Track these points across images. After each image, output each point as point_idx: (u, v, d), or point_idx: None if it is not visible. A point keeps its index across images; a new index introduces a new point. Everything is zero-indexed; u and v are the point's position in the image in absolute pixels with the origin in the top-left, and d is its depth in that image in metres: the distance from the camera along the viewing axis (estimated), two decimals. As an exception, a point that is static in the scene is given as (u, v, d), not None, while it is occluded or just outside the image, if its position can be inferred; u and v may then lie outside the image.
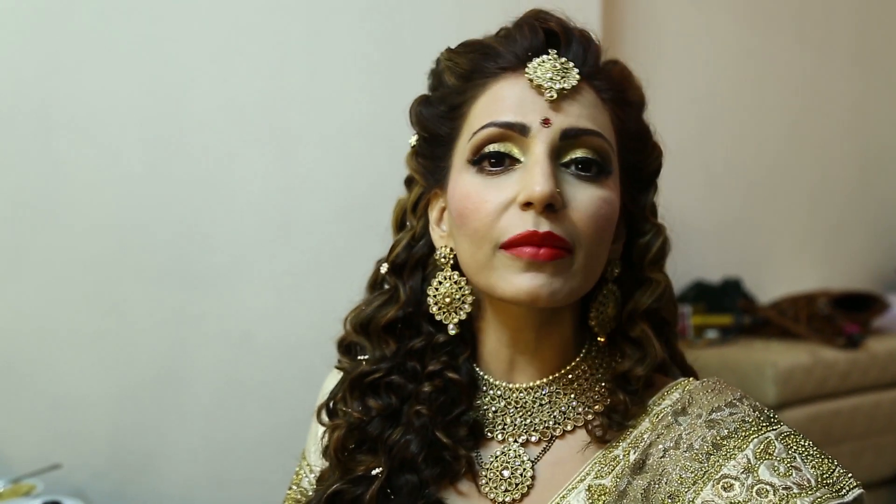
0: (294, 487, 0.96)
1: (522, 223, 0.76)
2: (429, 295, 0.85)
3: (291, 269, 2.16)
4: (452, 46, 0.86)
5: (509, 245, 0.76)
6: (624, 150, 0.83)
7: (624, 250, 0.87)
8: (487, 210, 0.77)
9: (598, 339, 0.84)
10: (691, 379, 0.84)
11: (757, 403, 0.79)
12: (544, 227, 0.75)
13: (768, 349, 2.57)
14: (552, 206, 0.75)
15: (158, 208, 2.02)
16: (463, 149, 0.81)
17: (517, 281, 0.76)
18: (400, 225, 0.92)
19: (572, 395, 0.82)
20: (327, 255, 2.17)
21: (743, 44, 3.36)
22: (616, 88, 0.83)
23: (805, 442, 0.75)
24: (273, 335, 2.13)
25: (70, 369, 1.92)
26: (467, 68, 0.83)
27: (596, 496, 0.77)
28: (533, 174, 0.75)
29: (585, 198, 0.78)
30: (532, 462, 0.81)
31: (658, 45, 3.15)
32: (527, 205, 0.75)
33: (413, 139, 0.89)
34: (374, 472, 0.82)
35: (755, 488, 0.70)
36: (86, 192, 1.94)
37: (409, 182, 0.92)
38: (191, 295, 2.06)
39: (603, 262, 0.82)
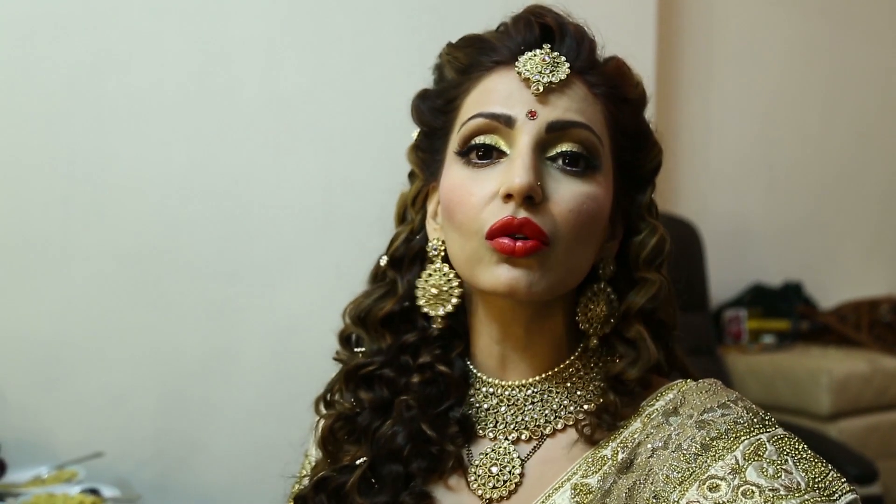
0: (297, 486, 0.95)
1: (502, 212, 0.76)
2: (417, 287, 0.85)
3: (335, 264, 2.16)
4: (453, 41, 0.86)
5: (490, 236, 0.76)
6: (618, 148, 0.82)
7: (621, 249, 0.85)
8: (472, 203, 0.77)
9: (592, 340, 0.83)
10: (688, 381, 0.81)
11: (753, 406, 0.76)
12: (522, 214, 0.75)
13: (825, 356, 2.47)
14: (531, 199, 0.75)
15: (204, 203, 2.05)
16: (454, 140, 0.82)
17: (495, 272, 0.76)
18: (402, 218, 0.93)
19: (564, 394, 0.82)
20: (371, 250, 2.16)
21: (810, 40, 3.25)
22: (610, 84, 0.82)
23: (799, 445, 0.72)
24: (317, 329, 2.11)
25: (116, 361, 1.97)
26: (465, 62, 0.83)
27: (581, 495, 0.76)
28: (515, 166, 0.75)
29: (568, 192, 0.77)
30: (522, 460, 0.81)
31: (718, 41, 3.06)
32: (508, 197, 0.75)
33: (414, 133, 0.89)
34: (358, 462, 0.83)
35: (741, 489, 0.68)
36: (133, 188, 1.98)
37: (411, 176, 0.93)
38: (235, 289, 2.09)
39: (588, 259, 0.80)
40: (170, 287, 2.02)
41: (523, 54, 0.80)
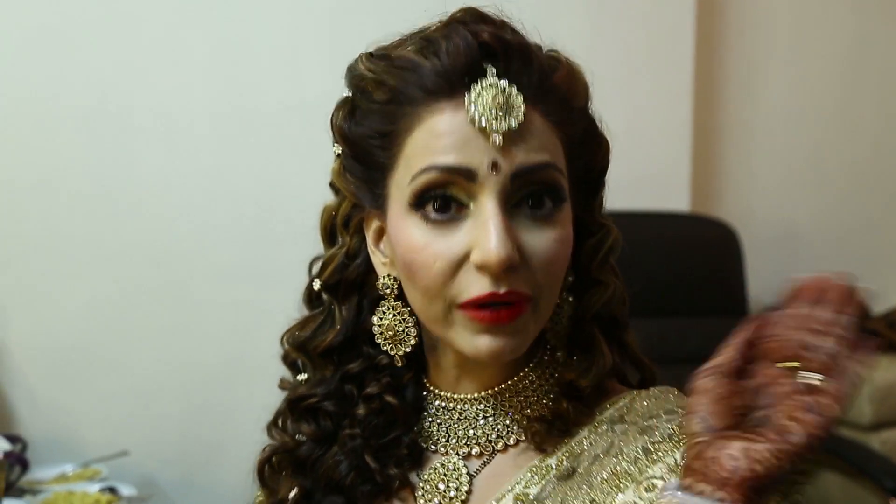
0: None
1: (480, 285, 0.70)
2: (374, 324, 0.80)
3: (360, 268, 2.17)
4: (371, 51, 0.78)
5: (467, 306, 0.71)
6: (573, 161, 0.76)
7: (575, 252, 0.80)
8: (439, 268, 0.71)
9: (557, 353, 0.80)
10: (642, 391, 0.79)
11: None
12: (504, 287, 0.69)
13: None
14: (511, 267, 0.70)
15: (229, 205, 2.08)
16: (402, 187, 0.73)
17: (477, 342, 0.71)
18: (329, 237, 0.86)
19: (517, 407, 0.79)
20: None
21: (859, 32, 3.12)
22: (563, 106, 0.74)
23: None
24: (341, 333, 2.15)
25: (142, 360, 2.01)
26: (394, 86, 0.73)
27: None
28: (487, 233, 0.69)
29: (542, 245, 0.72)
30: (470, 475, 0.78)
31: (764, 35, 2.97)
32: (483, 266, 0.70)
33: (337, 150, 0.80)
34: (291, 495, 0.81)
35: None
36: (160, 190, 2.02)
37: (335, 188, 0.85)
38: (260, 293, 2.11)
39: (559, 291, 0.77)
40: (195, 290, 2.06)
41: (468, 87, 0.70)
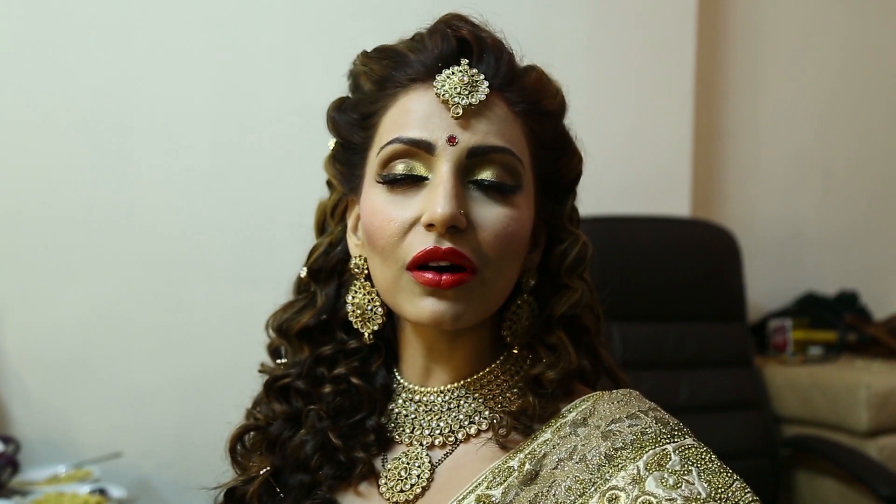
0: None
1: (424, 241, 0.75)
2: (347, 303, 0.85)
3: (357, 272, 2.17)
4: (368, 51, 0.85)
5: (413, 265, 0.75)
6: (539, 161, 0.82)
7: (543, 258, 0.86)
8: (393, 229, 0.76)
9: (523, 352, 0.84)
10: (605, 392, 0.80)
11: (665, 417, 0.75)
12: (446, 244, 0.74)
13: (868, 370, 2.35)
14: (455, 228, 0.74)
15: (227, 209, 2.08)
16: (373, 160, 0.80)
17: (420, 305, 0.75)
18: (321, 228, 0.92)
19: (481, 400, 0.82)
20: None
21: (865, 35, 3.10)
22: (529, 99, 0.80)
23: (708, 456, 0.71)
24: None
25: (138, 363, 2.01)
26: (380, 75, 0.81)
27: None
28: (437, 195, 0.74)
29: (492, 216, 0.76)
30: (432, 464, 0.81)
31: (766, 39, 2.95)
32: (430, 226, 0.75)
33: (331, 143, 0.88)
34: (262, 472, 0.84)
35: (639, 500, 0.67)
36: (157, 194, 2.03)
37: (330, 184, 0.92)
38: (257, 294, 2.10)
39: (513, 278, 0.80)
40: (192, 291, 2.06)
41: (440, 71, 0.78)
